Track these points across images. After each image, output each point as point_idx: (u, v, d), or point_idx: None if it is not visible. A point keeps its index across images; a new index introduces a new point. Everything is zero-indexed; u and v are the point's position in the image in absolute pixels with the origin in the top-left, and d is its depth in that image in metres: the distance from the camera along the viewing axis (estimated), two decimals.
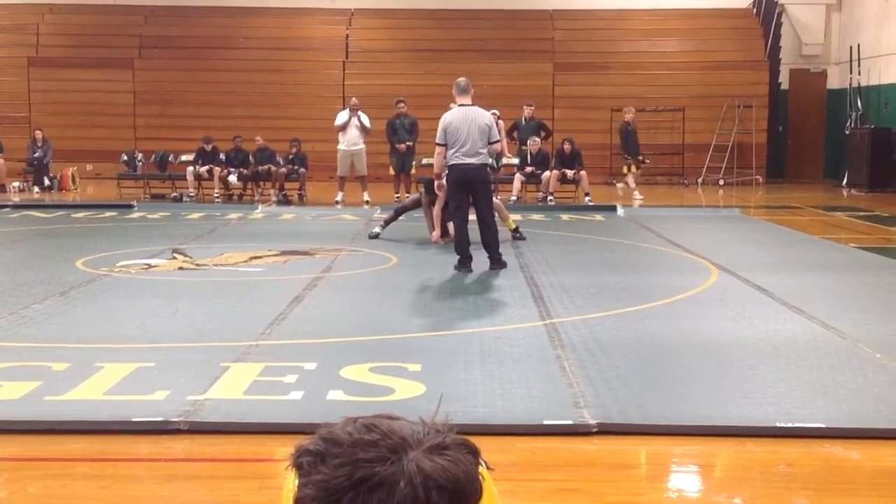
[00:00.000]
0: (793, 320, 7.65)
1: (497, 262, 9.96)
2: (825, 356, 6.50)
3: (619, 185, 19.52)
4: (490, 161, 10.24)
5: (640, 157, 19.38)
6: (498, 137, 10.13)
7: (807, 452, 4.77)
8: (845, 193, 20.53)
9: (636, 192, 18.50)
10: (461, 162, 9.69)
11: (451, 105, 10.26)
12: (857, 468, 4.67)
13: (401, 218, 12.64)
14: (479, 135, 9.68)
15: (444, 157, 9.76)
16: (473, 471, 1.04)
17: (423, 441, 1.03)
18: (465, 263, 9.87)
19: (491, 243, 9.97)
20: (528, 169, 17.78)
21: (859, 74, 22.14)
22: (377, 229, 12.52)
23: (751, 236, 13.41)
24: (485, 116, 9.83)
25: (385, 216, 12.90)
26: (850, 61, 22.39)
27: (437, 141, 9.89)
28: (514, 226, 12.29)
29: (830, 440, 4.88)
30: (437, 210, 11.77)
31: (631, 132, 19.33)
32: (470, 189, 9.85)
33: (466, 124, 9.66)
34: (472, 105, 9.94)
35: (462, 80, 10.12)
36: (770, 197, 19.95)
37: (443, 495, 1.00)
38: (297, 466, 1.04)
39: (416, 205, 12.57)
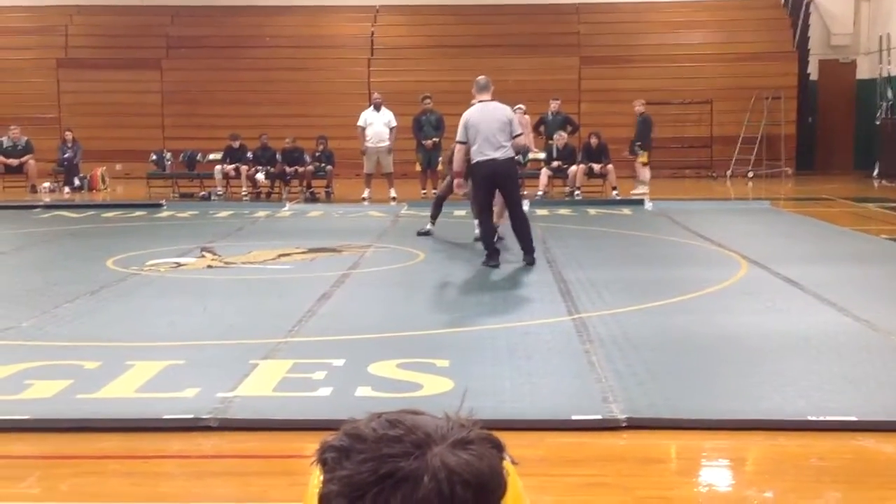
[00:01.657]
0: (824, 313, 7.58)
1: (530, 255, 9.96)
2: (857, 349, 6.44)
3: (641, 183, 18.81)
4: (515, 155, 10.23)
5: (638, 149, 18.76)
6: (520, 131, 10.13)
7: (839, 446, 4.73)
8: (876, 184, 20.32)
9: (643, 187, 18.13)
10: (486, 157, 9.70)
11: (472, 102, 10.23)
12: (890, 461, 4.63)
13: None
14: (498, 129, 9.69)
15: (467, 155, 9.81)
16: (498, 465, 1.04)
17: (447, 436, 1.03)
18: (493, 257, 9.88)
19: (524, 235, 10.00)
20: (555, 163, 17.73)
21: (889, 64, 21.89)
22: (428, 226, 12.34)
23: (780, 229, 13.31)
24: (504, 111, 9.86)
25: (430, 212, 12.57)
26: (880, 51, 22.14)
27: (458, 139, 9.99)
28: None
29: (863, 433, 4.84)
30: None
31: (647, 123, 18.95)
32: (497, 184, 9.87)
33: (486, 120, 9.70)
34: (492, 101, 9.96)
35: (481, 77, 10.16)
36: (800, 189, 19.78)
37: (467, 490, 0.99)
38: (322, 462, 1.04)
39: (451, 189, 12.34)
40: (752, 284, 8.90)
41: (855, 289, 8.55)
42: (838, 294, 8.18)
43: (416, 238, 12.02)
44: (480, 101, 9.96)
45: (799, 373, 5.84)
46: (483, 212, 10.11)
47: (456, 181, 10.37)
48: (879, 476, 4.48)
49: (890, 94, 21.73)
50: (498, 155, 9.70)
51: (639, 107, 19.03)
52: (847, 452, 4.66)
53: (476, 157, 9.75)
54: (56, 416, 5.10)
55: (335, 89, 22.88)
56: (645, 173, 18.49)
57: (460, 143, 9.92)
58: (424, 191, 17.67)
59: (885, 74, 21.98)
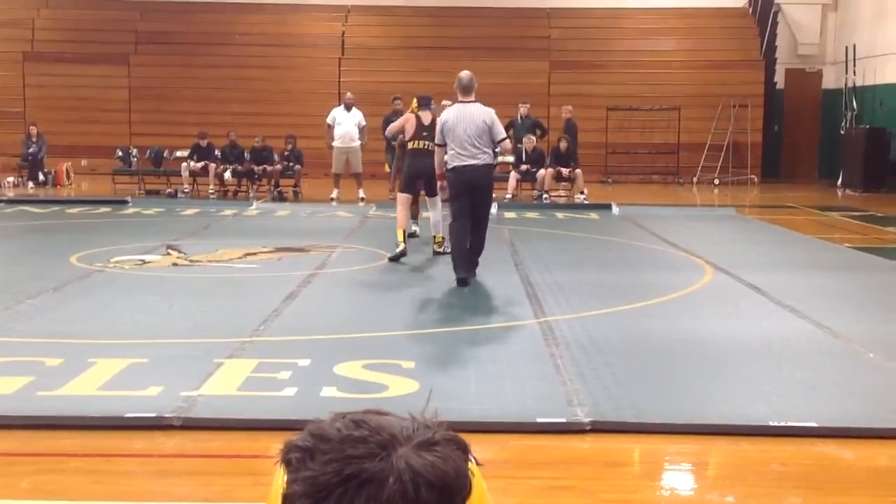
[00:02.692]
0: (786, 319, 7.66)
1: (464, 274, 9.05)
2: (818, 355, 6.51)
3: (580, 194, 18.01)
4: (494, 161, 9.44)
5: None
6: (504, 135, 9.29)
7: (799, 451, 4.78)
8: (840, 193, 20.56)
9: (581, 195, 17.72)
10: (460, 163, 9.01)
11: (446, 103, 10.03)
12: (850, 467, 4.68)
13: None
14: (475, 133, 8.99)
15: (444, 158, 9.20)
16: (463, 467, 1.04)
17: (412, 437, 1.03)
18: (463, 283, 9.02)
19: (476, 250, 9.28)
20: (524, 167, 17.78)
21: (855, 74, 22.16)
22: (413, 227, 12.08)
23: (745, 235, 13.43)
24: (484, 114, 9.09)
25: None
26: (846, 61, 22.41)
27: (436, 141, 9.42)
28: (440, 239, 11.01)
29: (823, 439, 4.89)
30: (439, 216, 11.03)
31: (573, 129, 18.75)
32: (471, 192, 9.13)
33: (463, 123, 9.02)
34: (474, 102, 9.22)
35: (465, 74, 9.43)
36: (765, 196, 19.98)
37: (432, 492, 0.99)
38: (286, 462, 1.04)
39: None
40: (716, 290, 8.97)
41: (817, 296, 8.65)
42: (801, 301, 8.27)
43: (383, 239, 11.97)
44: (461, 102, 9.24)
45: (761, 379, 5.90)
46: (456, 223, 9.22)
47: (439, 184, 9.72)
48: (839, 482, 4.53)
49: (855, 104, 21.99)
50: (474, 162, 9.01)
51: (566, 113, 18.83)
52: (807, 458, 4.72)
53: (451, 163, 9.06)
54: (17, 413, 5.04)
55: (305, 88, 22.81)
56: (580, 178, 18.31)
57: (438, 145, 9.35)
58: (393, 192, 17.63)
59: (850, 84, 22.25)
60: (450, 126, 9.12)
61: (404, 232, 10.68)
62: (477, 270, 9.34)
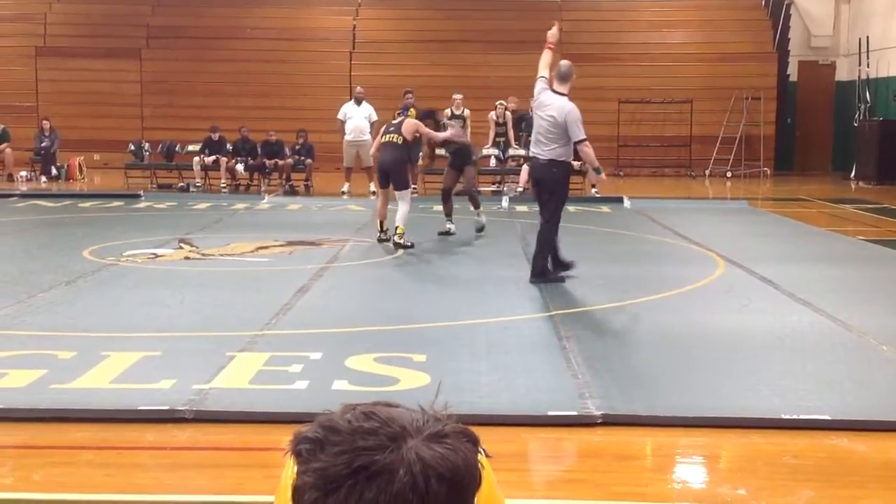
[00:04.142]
0: (799, 312, 7.63)
1: (538, 275, 8.83)
2: (831, 348, 6.49)
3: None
4: (563, 159, 8.77)
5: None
6: (579, 137, 8.66)
7: (812, 444, 4.76)
8: (853, 186, 20.46)
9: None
10: (530, 153, 9.06)
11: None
12: (863, 460, 4.66)
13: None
14: (546, 126, 8.66)
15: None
16: (473, 459, 1.03)
17: (422, 429, 1.03)
18: (564, 267, 8.89)
19: (538, 253, 8.94)
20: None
21: (868, 66, 22.04)
22: (448, 225, 11.92)
23: (758, 229, 13.38)
24: (559, 109, 8.63)
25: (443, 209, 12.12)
26: (859, 53, 22.29)
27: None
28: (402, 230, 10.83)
29: (836, 432, 4.88)
30: (405, 210, 10.89)
31: (519, 122, 18.22)
32: (536, 184, 8.98)
33: (540, 113, 8.78)
34: (563, 95, 8.77)
35: (563, 63, 9.05)
36: (778, 189, 19.90)
37: (442, 484, 0.99)
38: (296, 454, 1.04)
39: (450, 180, 12.11)
40: (728, 283, 8.95)
41: (830, 289, 8.61)
42: (814, 294, 8.24)
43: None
44: (553, 91, 8.83)
45: (773, 372, 5.88)
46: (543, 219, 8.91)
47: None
48: (852, 475, 4.52)
49: (868, 96, 21.88)
50: (538, 155, 8.79)
51: (511, 104, 18.40)
52: (820, 451, 4.70)
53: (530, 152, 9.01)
54: (30, 406, 5.07)
55: (316, 82, 22.81)
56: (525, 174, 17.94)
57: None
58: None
59: (863, 77, 22.13)
60: (535, 108, 9.03)
61: (381, 223, 11.27)
62: (537, 277, 8.85)
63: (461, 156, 11.90)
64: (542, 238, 8.89)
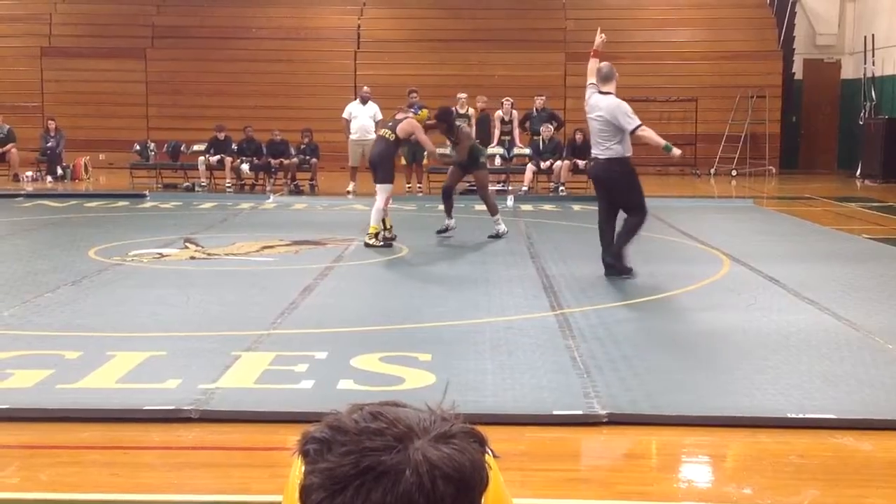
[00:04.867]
0: (805, 311, 7.62)
1: (611, 267, 8.98)
2: (837, 347, 6.48)
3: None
4: (621, 155, 8.98)
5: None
6: (631, 125, 8.92)
7: (818, 443, 4.76)
8: (859, 184, 20.43)
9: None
10: (592, 155, 9.26)
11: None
12: (868, 459, 4.66)
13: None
14: (599, 126, 8.94)
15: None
16: (479, 459, 1.04)
17: (429, 430, 1.03)
18: (608, 267, 9.00)
19: (620, 239, 9.05)
20: (544, 164, 17.60)
21: (873, 64, 22.00)
22: (447, 222, 11.83)
23: (763, 227, 13.36)
24: (606, 106, 8.92)
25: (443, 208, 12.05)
26: (865, 51, 22.25)
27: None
28: (380, 228, 11.04)
29: (841, 431, 4.87)
30: (379, 204, 10.93)
31: (485, 121, 18.16)
32: (601, 185, 9.20)
33: (592, 114, 9.02)
34: (609, 94, 9.06)
35: (605, 65, 9.24)
36: (783, 187, 19.87)
37: (448, 484, 1.00)
38: (304, 454, 1.04)
39: (453, 179, 12.06)
40: (734, 282, 8.94)
41: (836, 288, 8.60)
42: (819, 293, 8.23)
43: (399, 232, 11.95)
44: (600, 92, 9.08)
45: (779, 370, 5.87)
46: (599, 216, 9.24)
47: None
48: (857, 474, 4.51)
49: (874, 94, 21.84)
50: (598, 155, 9.04)
51: (480, 103, 18.23)
52: (826, 450, 4.70)
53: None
54: (36, 406, 5.08)
55: (321, 82, 22.83)
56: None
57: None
58: (409, 185, 17.66)
59: (869, 75, 22.09)
60: (588, 112, 9.15)
61: (383, 221, 11.12)
62: (614, 263, 9.00)
63: (469, 158, 11.83)
64: (632, 224, 9.07)
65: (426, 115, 11.66)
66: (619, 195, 9.09)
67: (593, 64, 9.31)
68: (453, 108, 15.30)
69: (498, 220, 11.73)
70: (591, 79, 9.19)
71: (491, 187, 18.21)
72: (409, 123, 11.11)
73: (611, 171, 9.01)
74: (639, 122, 8.98)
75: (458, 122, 13.09)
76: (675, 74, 22.70)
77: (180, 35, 23.60)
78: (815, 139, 23.98)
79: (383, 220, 11.14)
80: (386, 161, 11.01)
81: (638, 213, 9.07)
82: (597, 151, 9.09)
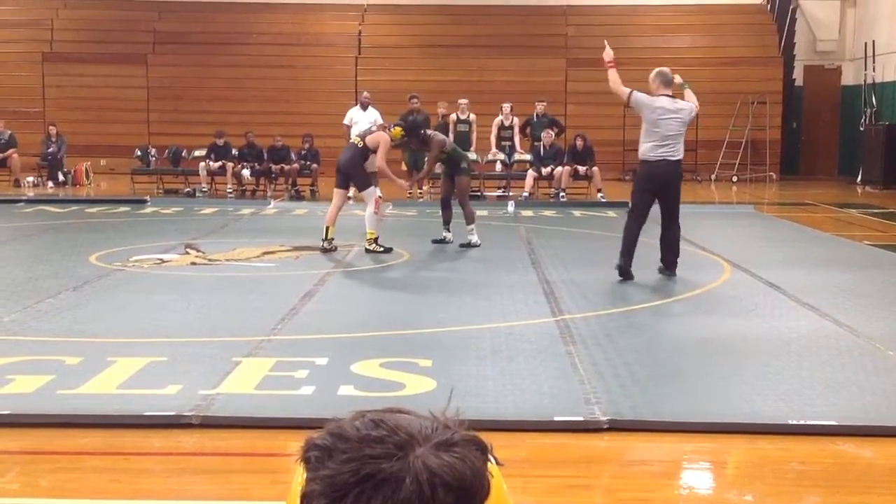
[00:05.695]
0: (805, 317, 7.62)
1: (629, 274, 9.08)
2: (837, 353, 6.47)
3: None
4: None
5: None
6: (692, 107, 9.46)
7: (819, 450, 4.75)
8: (859, 190, 20.43)
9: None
10: (657, 157, 9.00)
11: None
12: (870, 466, 4.65)
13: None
14: (678, 128, 9.12)
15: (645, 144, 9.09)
16: (481, 468, 1.03)
17: (430, 437, 1.03)
18: (621, 271, 9.08)
19: (676, 250, 9.32)
20: (544, 170, 17.61)
21: (874, 71, 22.02)
22: (444, 234, 11.69)
23: (764, 233, 13.36)
24: (688, 108, 9.35)
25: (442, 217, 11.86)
26: (865, 57, 22.27)
27: (629, 104, 9.58)
28: (378, 233, 11.00)
29: (843, 438, 4.87)
30: (371, 210, 10.88)
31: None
32: (664, 186, 9.09)
33: (674, 116, 9.09)
34: (670, 97, 9.33)
35: (665, 69, 9.60)
36: (784, 194, 19.87)
37: (449, 493, 0.99)
38: (305, 461, 1.04)
39: (447, 188, 11.90)
40: (734, 288, 8.93)
41: (836, 294, 8.60)
42: (820, 299, 8.23)
43: (400, 237, 11.97)
44: (664, 95, 9.25)
45: (780, 377, 5.87)
46: (637, 220, 9.26)
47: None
48: (858, 480, 4.51)
49: (874, 100, 21.85)
50: (672, 156, 9.09)
51: (441, 109, 17.98)
52: (827, 457, 4.69)
53: (647, 155, 9.09)
54: (36, 412, 5.07)
55: (322, 87, 22.85)
56: None
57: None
58: (410, 191, 17.66)
59: (869, 81, 22.11)
60: (659, 115, 9.08)
61: (328, 229, 10.97)
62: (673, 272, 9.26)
63: (451, 164, 11.78)
64: (678, 236, 9.36)
65: (399, 132, 11.65)
66: (676, 197, 9.24)
67: (614, 74, 9.62)
68: (418, 119, 15.54)
69: (472, 230, 11.48)
70: (626, 87, 9.45)
71: (490, 193, 18.32)
72: (378, 136, 11.14)
73: (678, 174, 9.24)
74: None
75: (460, 128, 13.10)
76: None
77: (181, 41, 23.63)
78: (815, 145, 23.99)
79: (326, 229, 10.92)
80: (356, 168, 11.00)
81: (677, 220, 9.29)
82: (666, 152, 9.02)
